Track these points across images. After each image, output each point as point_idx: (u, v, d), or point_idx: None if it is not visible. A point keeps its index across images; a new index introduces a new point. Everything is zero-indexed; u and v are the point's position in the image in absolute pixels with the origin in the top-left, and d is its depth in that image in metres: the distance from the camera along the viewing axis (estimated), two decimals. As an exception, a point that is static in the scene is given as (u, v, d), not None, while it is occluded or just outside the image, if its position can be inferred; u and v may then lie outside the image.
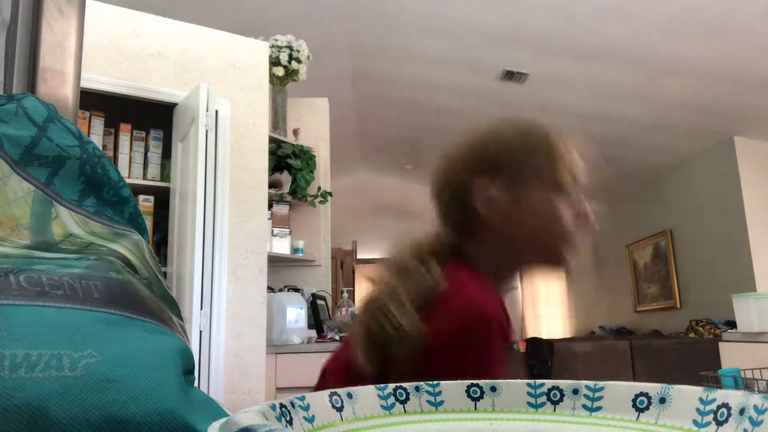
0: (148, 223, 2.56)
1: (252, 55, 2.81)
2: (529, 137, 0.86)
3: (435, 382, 0.35)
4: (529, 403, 0.34)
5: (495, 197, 0.82)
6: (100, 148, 0.87)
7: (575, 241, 0.86)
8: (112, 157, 2.59)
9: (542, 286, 7.86)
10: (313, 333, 2.96)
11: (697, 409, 0.28)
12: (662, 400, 0.30)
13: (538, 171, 0.83)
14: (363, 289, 0.92)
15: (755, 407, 0.26)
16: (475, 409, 0.34)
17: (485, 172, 0.83)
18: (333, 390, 0.32)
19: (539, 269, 0.88)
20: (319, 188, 3.27)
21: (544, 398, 0.34)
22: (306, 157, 3.20)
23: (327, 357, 0.90)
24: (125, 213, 0.47)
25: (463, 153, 0.87)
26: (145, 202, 2.58)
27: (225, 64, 2.72)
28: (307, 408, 0.29)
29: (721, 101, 4.18)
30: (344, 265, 6.56)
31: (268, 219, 2.86)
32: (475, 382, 0.35)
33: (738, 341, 2.64)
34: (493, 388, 0.35)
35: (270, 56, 2.97)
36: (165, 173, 2.68)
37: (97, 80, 2.36)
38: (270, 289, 2.86)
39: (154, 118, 2.70)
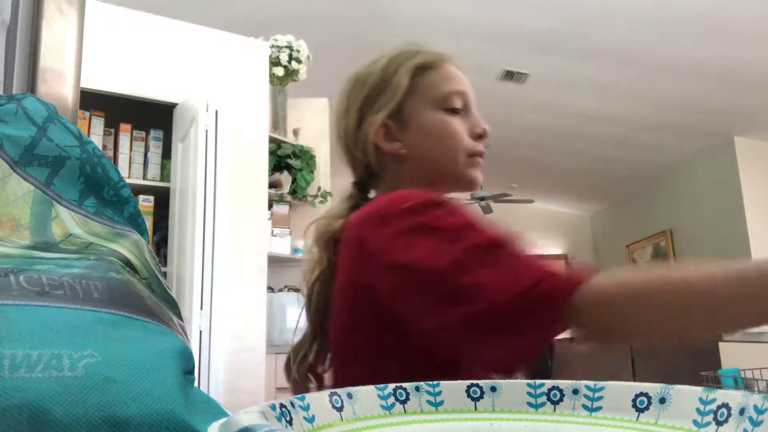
0: (148, 223, 2.56)
1: (252, 55, 2.81)
2: (403, 57, 0.82)
3: (435, 382, 0.35)
4: (529, 403, 0.34)
5: (389, 126, 0.79)
6: (100, 148, 0.87)
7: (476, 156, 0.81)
8: (112, 157, 2.59)
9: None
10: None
11: (697, 409, 0.28)
12: (662, 400, 0.30)
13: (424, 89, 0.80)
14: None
15: (755, 407, 0.26)
16: (475, 409, 0.34)
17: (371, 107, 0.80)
18: (333, 390, 0.32)
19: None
20: (319, 188, 3.26)
21: (544, 398, 0.34)
22: (306, 157, 3.20)
23: None
24: (125, 213, 0.47)
25: (348, 98, 0.84)
26: (145, 202, 2.58)
27: (225, 64, 2.72)
28: (307, 408, 0.29)
29: (721, 101, 4.18)
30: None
31: (268, 219, 2.86)
32: (475, 382, 0.35)
33: (738, 341, 2.64)
34: (493, 388, 0.35)
35: (270, 56, 2.97)
36: (165, 173, 2.68)
37: (97, 80, 2.36)
38: (270, 289, 2.86)
39: (154, 118, 2.70)
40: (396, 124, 0.80)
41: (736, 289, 0.51)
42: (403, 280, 0.63)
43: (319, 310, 0.80)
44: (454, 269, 0.60)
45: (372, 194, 0.85)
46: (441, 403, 0.35)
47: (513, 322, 0.57)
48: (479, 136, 0.81)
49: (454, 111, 0.80)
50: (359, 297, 0.69)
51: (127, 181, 0.89)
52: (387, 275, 0.64)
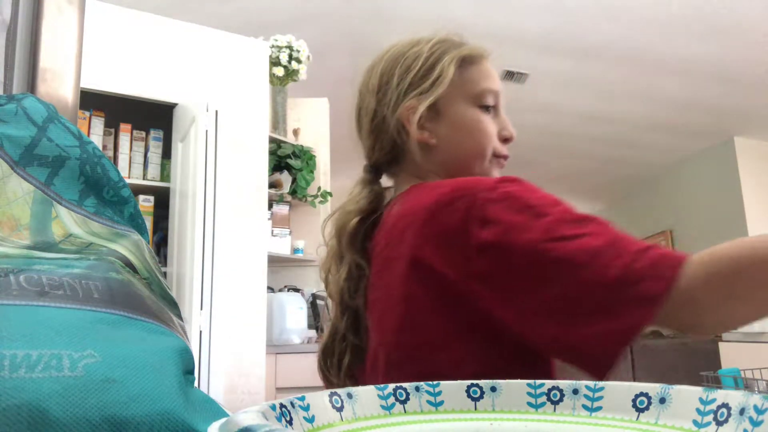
0: (148, 223, 2.56)
1: (252, 55, 2.81)
2: (447, 44, 0.80)
3: (435, 383, 0.35)
4: (529, 403, 0.34)
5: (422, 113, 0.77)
6: (100, 148, 0.87)
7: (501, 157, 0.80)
8: (112, 157, 2.59)
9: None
10: (313, 333, 2.96)
11: (697, 409, 0.28)
12: (662, 400, 0.30)
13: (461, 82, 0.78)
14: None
15: (755, 407, 0.26)
16: (475, 409, 0.34)
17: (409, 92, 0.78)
18: (333, 390, 0.32)
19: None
20: (319, 188, 3.26)
21: (544, 398, 0.34)
22: (306, 157, 3.20)
23: None
24: (125, 213, 0.47)
25: (385, 76, 0.80)
26: (145, 202, 2.58)
27: (225, 64, 2.72)
28: (307, 408, 0.29)
29: (721, 101, 4.18)
30: (344, 265, 6.54)
31: (268, 219, 2.86)
32: (475, 382, 0.35)
33: (738, 341, 2.64)
34: (493, 388, 0.35)
35: (270, 56, 2.97)
36: (165, 173, 2.68)
37: (97, 80, 2.36)
38: (270, 289, 2.86)
39: (154, 118, 2.70)
40: (428, 113, 0.77)
41: None
42: (494, 260, 0.60)
43: (351, 308, 0.77)
44: (546, 244, 0.57)
45: (384, 180, 0.83)
46: (441, 403, 0.35)
47: (616, 296, 0.53)
48: (506, 140, 0.81)
49: (486, 109, 0.79)
50: (438, 285, 0.64)
51: (127, 181, 0.89)
52: (478, 257, 0.61)
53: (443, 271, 0.63)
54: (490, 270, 0.60)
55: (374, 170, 0.83)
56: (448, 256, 0.63)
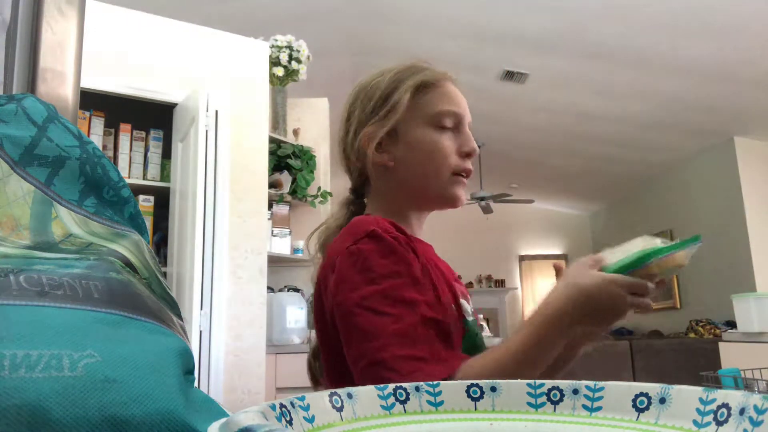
0: (148, 223, 2.56)
1: (252, 55, 2.81)
2: (407, 73, 0.86)
3: (435, 383, 0.35)
4: (529, 403, 0.34)
5: (381, 138, 0.83)
6: (100, 148, 0.87)
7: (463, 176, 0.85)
8: (112, 157, 2.59)
9: (542, 284, 7.87)
10: (313, 333, 2.96)
11: (697, 410, 0.28)
12: (662, 400, 0.30)
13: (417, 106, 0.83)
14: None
15: (755, 407, 0.26)
16: (475, 409, 0.34)
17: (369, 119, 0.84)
18: (333, 390, 0.32)
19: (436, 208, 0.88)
20: (319, 188, 3.26)
21: (544, 398, 0.34)
22: (306, 157, 3.20)
23: None
24: (125, 213, 0.47)
25: (351, 106, 0.87)
26: (145, 202, 2.58)
27: (225, 64, 2.72)
28: (307, 408, 0.29)
29: (721, 101, 4.18)
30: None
31: (268, 219, 2.86)
32: (475, 382, 0.35)
33: (738, 341, 2.64)
34: (493, 388, 0.35)
35: (270, 56, 2.97)
36: (165, 173, 2.68)
37: (97, 80, 2.36)
38: (270, 289, 2.86)
39: (154, 118, 2.70)
40: (388, 137, 0.83)
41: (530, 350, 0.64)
42: (332, 306, 0.73)
43: None
44: (357, 308, 0.67)
45: (365, 200, 0.90)
46: (441, 403, 0.35)
47: (367, 373, 0.64)
48: (467, 155, 0.84)
49: (444, 129, 0.82)
50: (327, 321, 0.78)
51: (127, 181, 0.89)
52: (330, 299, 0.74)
53: (327, 309, 0.76)
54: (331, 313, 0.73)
55: (355, 192, 0.90)
56: (326, 297, 0.76)
